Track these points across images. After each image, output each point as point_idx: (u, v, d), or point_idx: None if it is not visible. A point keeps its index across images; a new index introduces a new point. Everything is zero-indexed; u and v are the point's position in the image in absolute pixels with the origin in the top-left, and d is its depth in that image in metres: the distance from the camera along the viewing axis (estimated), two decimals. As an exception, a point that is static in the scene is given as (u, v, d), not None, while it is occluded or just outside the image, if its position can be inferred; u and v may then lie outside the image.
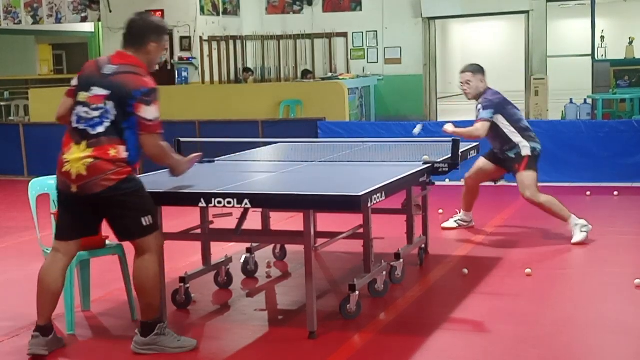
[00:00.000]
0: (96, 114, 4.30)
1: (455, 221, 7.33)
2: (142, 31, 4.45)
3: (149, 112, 4.28)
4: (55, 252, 4.48)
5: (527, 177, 6.76)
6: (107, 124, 4.28)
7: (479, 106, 6.77)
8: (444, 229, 7.27)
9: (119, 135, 4.28)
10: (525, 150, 6.77)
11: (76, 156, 4.28)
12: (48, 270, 4.44)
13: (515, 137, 6.77)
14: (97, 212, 4.38)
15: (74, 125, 4.36)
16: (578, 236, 6.65)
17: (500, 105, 6.77)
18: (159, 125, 4.34)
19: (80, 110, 4.35)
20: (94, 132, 4.29)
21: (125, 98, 4.27)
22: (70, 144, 4.34)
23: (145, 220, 4.35)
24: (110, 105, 4.29)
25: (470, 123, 6.90)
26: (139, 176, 4.48)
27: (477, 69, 6.89)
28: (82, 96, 4.36)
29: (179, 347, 4.42)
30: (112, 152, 4.26)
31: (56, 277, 4.43)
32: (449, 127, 6.76)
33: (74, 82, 4.48)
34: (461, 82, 6.88)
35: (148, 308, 4.39)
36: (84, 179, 4.26)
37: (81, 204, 4.35)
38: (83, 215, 4.40)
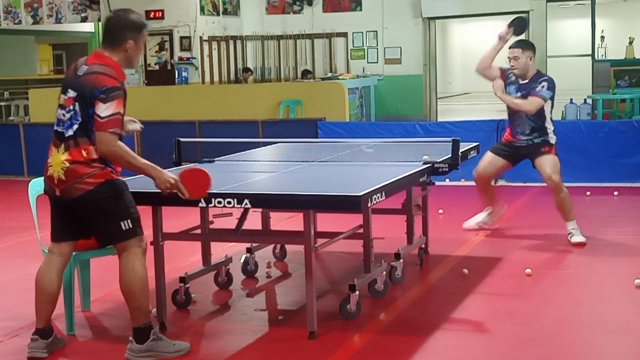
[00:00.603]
0: (67, 116, 4.31)
1: (477, 222, 7.21)
2: (119, 29, 4.38)
3: (102, 109, 4.18)
4: (50, 254, 4.49)
5: (557, 161, 6.77)
6: (76, 125, 4.27)
7: (543, 83, 6.62)
8: (467, 229, 7.17)
9: (87, 136, 4.25)
10: (553, 140, 6.81)
11: (56, 160, 4.30)
12: (44, 272, 4.46)
13: (550, 127, 6.77)
14: (79, 216, 4.37)
15: (55, 128, 4.37)
16: (579, 237, 6.63)
17: (555, 93, 6.75)
18: (110, 122, 4.17)
19: (60, 112, 4.35)
20: (67, 135, 4.29)
21: (88, 98, 4.23)
22: (52, 148, 4.36)
23: (125, 224, 4.32)
24: (77, 106, 4.28)
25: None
26: (125, 179, 4.46)
27: (526, 45, 6.78)
28: (61, 99, 4.37)
29: (176, 351, 4.40)
30: (83, 153, 4.24)
31: (52, 279, 4.44)
32: (500, 90, 6.69)
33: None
34: (509, 57, 6.74)
35: (137, 312, 4.36)
36: (64, 183, 4.27)
37: (65, 208, 4.37)
38: (69, 219, 4.41)
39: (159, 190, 4.46)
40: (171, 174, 4.36)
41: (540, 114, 6.72)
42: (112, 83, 4.23)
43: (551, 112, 6.83)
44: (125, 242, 4.34)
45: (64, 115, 4.32)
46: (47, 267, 4.46)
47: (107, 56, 4.36)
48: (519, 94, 6.74)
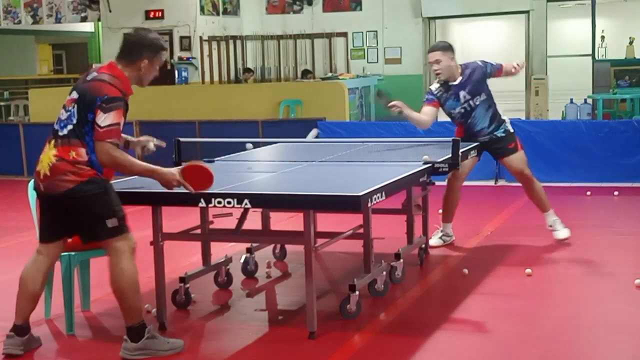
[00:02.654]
0: (65, 115, 4.36)
1: (440, 237, 6.76)
2: (136, 47, 4.44)
3: (102, 119, 4.25)
4: (37, 254, 4.51)
5: (523, 154, 6.67)
6: (70, 126, 4.31)
7: (483, 62, 6.52)
8: (432, 247, 6.61)
9: (79, 138, 4.28)
10: (510, 126, 6.67)
11: (45, 155, 4.36)
12: (29, 271, 4.49)
13: (498, 109, 6.64)
14: (63, 214, 4.38)
15: (54, 125, 4.43)
16: (562, 232, 6.64)
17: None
18: (109, 133, 4.24)
19: (61, 111, 4.42)
20: (61, 133, 4.34)
21: (89, 104, 4.28)
22: (46, 144, 4.41)
23: (110, 222, 4.33)
24: (75, 109, 4.32)
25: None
26: (125, 179, 4.47)
27: (444, 46, 6.51)
28: (66, 99, 4.43)
29: (170, 349, 4.41)
30: (72, 154, 4.27)
31: (36, 279, 4.47)
32: (513, 67, 6.54)
33: None
34: (430, 62, 6.50)
35: (130, 311, 4.37)
36: (47, 178, 4.31)
37: (49, 205, 4.39)
38: (54, 216, 4.42)
39: (159, 191, 4.47)
40: (173, 172, 4.39)
41: (490, 105, 6.56)
42: (114, 93, 4.29)
43: None
44: (112, 240, 4.34)
45: (62, 114, 4.38)
46: (32, 267, 4.49)
47: (119, 69, 4.41)
48: (463, 94, 6.48)
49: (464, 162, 6.23)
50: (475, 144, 6.47)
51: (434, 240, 6.71)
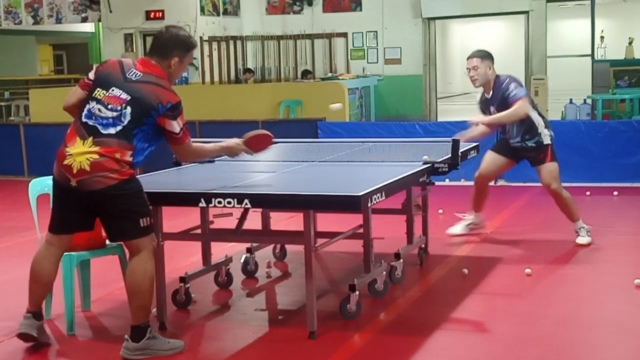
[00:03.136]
0: (110, 114, 4.29)
1: (467, 225, 7.02)
2: (168, 43, 4.46)
3: (175, 126, 4.34)
4: (48, 245, 4.50)
5: (554, 167, 6.60)
6: (119, 127, 4.28)
7: (511, 85, 6.36)
8: (453, 235, 6.94)
9: (128, 140, 4.27)
10: (547, 139, 6.59)
11: (80, 150, 4.26)
12: (41, 262, 4.48)
13: (539, 123, 6.55)
14: (92, 209, 4.37)
15: (84, 119, 4.33)
16: (584, 239, 6.61)
17: (523, 85, 6.57)
18: (185, 134, 4.43)
19: (94, 106, 4.33)
20: (105, 132, 4.27)
21: (148, 109, 4.28)
22: (75, 138, 4.31)
23: (144, 222, 4.34)
24: (128, 110, 4.28)
25: (465, 125, 6.76)
26: (138, 176, 4.49)
27: (485, 55, 6.55)
28: (99, 93, 4.35)
29: (171, 349, 4.41)
30: (117, 155, 4.25)
31: (49, 269, 4.49)
32: (479, 122, 6.46)
33: (91, 76, 4.46)
34: (468, 68, 6.54)
35: (140, 310, 4.37)
36: (85, 174, 4.23)
37: (78, 199, 4.32)
38: (78, 210, 4.38)
39: (159, 190, 4.49)
40: (238, 142, 4.84)
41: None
42: (176, 99, 4.36)
43: (535, 107, 6.61)
44: (141, 239, 4.35)
45: (100, 110, 4.31)
46: (44, 259, 4.49)
47: (157, 66, 4.43)
48: (492, 109, 6.52)
49: (493, 160, 6.70)
50: (476, 143, 6.47)
51: (458, 229, 6.99)
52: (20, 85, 20.96)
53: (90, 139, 4.27)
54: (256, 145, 4.89)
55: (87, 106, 4.35)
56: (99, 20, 17.57)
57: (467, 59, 6.58)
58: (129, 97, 4.30)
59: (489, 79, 6.52)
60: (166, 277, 4.92)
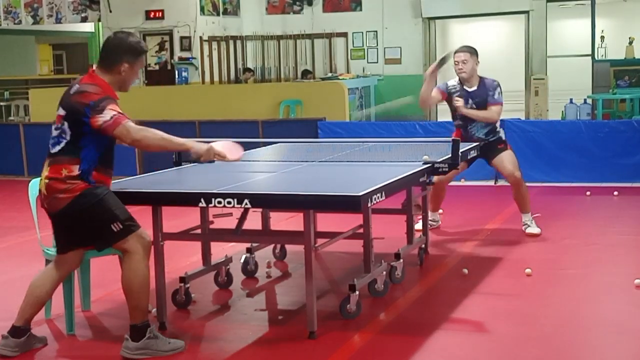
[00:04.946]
0: (56, 133, 4.38)
1: (434, 222, 7.22)
2: (116, 51, 4.43)
3: (105, 115, 4.23)
4: (53, 264, 4.58)
5: (514, 156, 6.96)
6: (63, 142, 4.33)
7: (498, 89, 6.84)
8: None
9: (74, 154, 4.31)
10: (504, 135, 7.07)
11: (42, 174, 4.42)
12: (39, 278, 4.55)
13: (498, 125, 7.01)
14: (69, 227, 4.41)
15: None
16: (535, 229, 6.88)
17: None
18: (116, 121, 4.23)
19: (52, 128, 4.43)
20: (54, 151, 4.37)
21: (80, 117, 4.28)
22: (44, 163, 4.45)
23: (115, 226, 4.34)
24: (65, 125, 4.33)
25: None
26: (124, 179, 4.47)
27: (473, 51, 6.95)
28: (55, 115, 4.44)
29: (171, 350, 4.42)
30: (64, 172, 4.31)
31: (46, 288, 4.53)
32: (462, 106, 6.81)
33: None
34: (457, 61, 6.86)
35: (136, 310, 4.38)
36: (45, 197, 4.38)
37: (56, 221, 4.43)
38: (64, 230, 4.44)
39: (159, 190, 4.47)
40: (205, 145, 4.52)
41: None
42: (98, 96, 4.29)
43: None
44: (122, 241, 4.36)
45: (52, 132, 4.41)
46: (43, 274, 4.56)
47: (100, 77, 4.41)
48: (470, 102, 6.87)
49: None
50: (476, 144, 6.50)
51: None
52: (20, 85, 20.95)
53: (47, 161, 4.40)
54: (229, 152, 4.67)
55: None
56: (99, 20, 17.57)
57: (456, 52, 6.94)
58: (64, 113, 4.35)
59: (474, 74, 6.90)
60: (166, 277, 4.92)
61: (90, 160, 4.34)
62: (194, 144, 4.52)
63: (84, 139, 4.31)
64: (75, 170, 4.30)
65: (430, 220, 7.01)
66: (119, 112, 4.28)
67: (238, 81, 16.94)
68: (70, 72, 24.96)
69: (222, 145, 4.64)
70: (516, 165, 6.91)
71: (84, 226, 4.37)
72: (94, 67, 4.48)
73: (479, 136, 6.91)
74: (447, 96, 6.97)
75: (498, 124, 6.99)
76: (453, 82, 7.00)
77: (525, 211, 6.96)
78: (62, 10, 17.62)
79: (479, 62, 6.95)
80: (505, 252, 6.48)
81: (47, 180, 4.34)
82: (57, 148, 4.35)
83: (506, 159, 6.89)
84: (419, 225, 6.55)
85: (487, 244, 6.82)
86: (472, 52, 6.92)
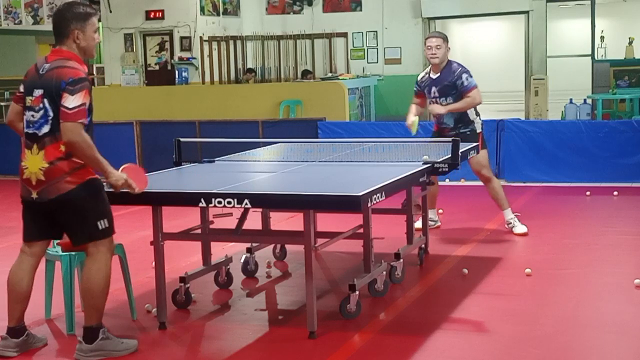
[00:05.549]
0: (39, 115, 4.32)
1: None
2: (63, 22, 4.36)
3: (69, 101, 4.16)
4: (21, 254, 4.56)
5: (483, 155, 6.92)
6: (50, 121, 4.28)
7: (464, 75, 6.75)
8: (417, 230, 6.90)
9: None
10: (479, 127, 6.94)
11: (33, 162, 4.34)
12: (15, 272, 4.53)
13: (472, 115, 6.89)
14: (55, 218, 4.37)
15: (25, 130, 4.42)
16: (521, 228, 6.91)
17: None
18: (78, 114, 4.15)
19: (29, 114, 4.38)
20: (41, 134, 4.32)
21: (55, 92, 4.23)
22: (25, 151, 4.40)
23: (102, 224, 4.34)
24: (46, 103, 4.28)
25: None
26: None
27: (445, 37, 6.95)
28: (28, 101, 4.38)
29: (125, 349, 4.42)
30: (61, 148, 4.24)
31: (22, 278, 4.49)
32: (440, 109, 6.78)
33: (21, 89, 4.48)
34: (429, 47, 6.81)
35: (92, 311, 4.39)
36: (43, 184, 4.30)
37: (41, 211, 4.39)
38: (45, 219, 4.42)
39: (160, 191, 4.46)
40: (123, 175, 4.35)
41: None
42: (77, 74, 4.23)
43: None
44: (99, 241, 4.35)
45: (33, 116, 4.34)
46: (18, 267, 4.53)
47: (65, 50, 4.35)
48: (434, 89, 6.86)
49: None
50: (475, 144, 6.49)
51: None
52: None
53: (35, 146, 4.34)
54: (137, 180, 4.44)
55: (25, 117, 4.42)
56: (99, 20, 17.52)
57: (428, 38, 6.96)
58: (42, 91, 4.29)
59: (444, 60, 6.84)
60: (166, 277, 4.92)
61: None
62: (113, 175, 4.32)
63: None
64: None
65: (429, 220, 6.99)
66: (85, 108, 4.19)
67: (238, 81, 16.95)
68: (70, 72, 24.93)
69: (131, 169, 4.48)
70: (483, 164, 6.91)
71: (73, 216, 4.31)
72: (55, 46, 4.42)
73: (448, 123, 6.88)
74: (423, 93, 7.01)
75: (472, 115, 6.87)
76: (422, 73, 7.06)
77: (504, 208, 7.01)
78: (62, 10, 17.61)
79: (449, 48, 6.92)
80: (505, 252, 6.48)
81: (47, 165, 4.26)
82: (46, 128, 4.29)
83: (474, 160, 6.82)
84: (418, 224, 6.55)
85: (487, 244, 6.82)
86: (444, 38, 6.90)
